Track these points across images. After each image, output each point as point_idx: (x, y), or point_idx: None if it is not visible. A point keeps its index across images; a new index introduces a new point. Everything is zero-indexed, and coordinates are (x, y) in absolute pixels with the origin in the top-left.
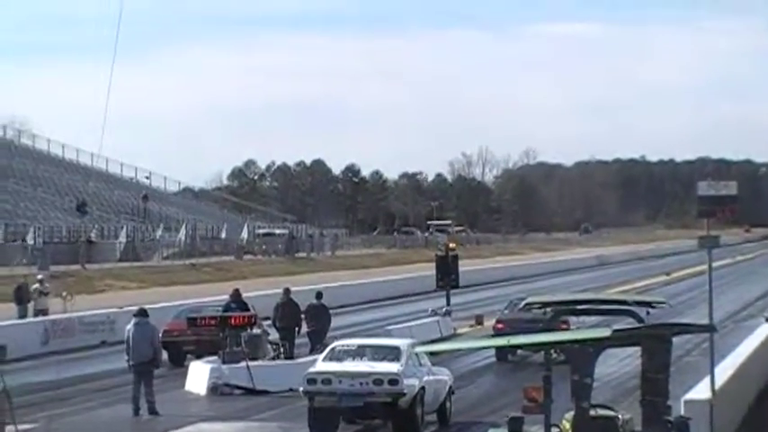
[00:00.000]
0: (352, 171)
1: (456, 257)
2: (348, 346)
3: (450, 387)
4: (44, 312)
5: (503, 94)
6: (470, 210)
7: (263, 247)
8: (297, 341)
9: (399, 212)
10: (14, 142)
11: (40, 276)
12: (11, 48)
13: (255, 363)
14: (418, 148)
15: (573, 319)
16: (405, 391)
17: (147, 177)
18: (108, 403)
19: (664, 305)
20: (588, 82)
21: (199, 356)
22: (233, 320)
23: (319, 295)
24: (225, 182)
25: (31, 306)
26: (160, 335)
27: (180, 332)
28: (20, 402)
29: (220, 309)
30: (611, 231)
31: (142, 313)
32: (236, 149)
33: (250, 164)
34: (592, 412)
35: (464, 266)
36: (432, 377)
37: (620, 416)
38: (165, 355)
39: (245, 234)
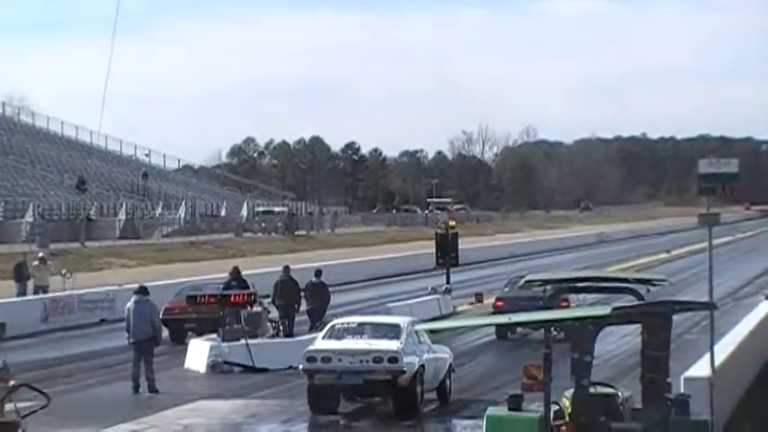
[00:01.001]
0: (351, 149)
1: (456, 235)
2: (348, 323)
3: (451, 365)
4: (44, 289)
5: (503, 71)
6: (470, 188)
7: (263, 224)
8: (296, 319)
9: (399, 190)
10: (13, 119)
11: (41, 254)
12: (10, 24)
13: (255, 341)
14: (418, 125)
15: (573, 296)
16: (404, 369)
17: (146, 155)
18: (107, 381)
19: (664, 283)
20: (589, 59)
21: (200, 334)
22: (232, 298)
23: (319, 273)
24: (224, 159)
25: (30, 283)
26: (161, 313)
27: (181, 310)
28: (19, 380)
29: (221, 287)
30: (611, 209)
31: (142, 291)
32: (235, 127)
33: (249, 141)
34: (591, 390)
35: (464, 244)
36: (432, 355)
37: (619, 393)
38: (165, 332)
39: (244, 212)
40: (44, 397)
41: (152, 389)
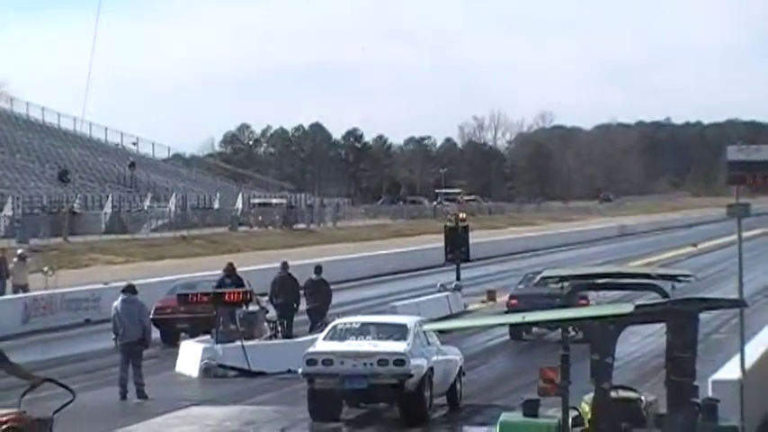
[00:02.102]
0: (354, 136)
1: (466, 228)
2: (351, 324)
3: (461, 368)
4: (24, 288)
5: (517, 52)
6: (482, 177)
7: (260, 217)
8: (296, 319)
9: (405, 180)
10: None
11: (20, 251)
12: None
13: (251, 342)
14: (426, 110)
15: (592, 294)
16: (412, 373)
17: (133, 143)
18: (93, 386)
19: (690, 279)
20: (609, 40)
21: (193, 335)
22: (227, 297)
23: (319, 269)
24: (217, 148)
25: (9, 282)
26: (152, 312)
27: (173, 309)
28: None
29: (215, 285)
30: (633, 200)
31: (130, 289)
32: (229, 113)
33: (244, 128)
34: (613, 394)
35: (475, 238)
36: (441, 357)
37: (643, 397)
38: (156, 333)
39: (239, 204)
40: (70, 393)
41: (141, 395)
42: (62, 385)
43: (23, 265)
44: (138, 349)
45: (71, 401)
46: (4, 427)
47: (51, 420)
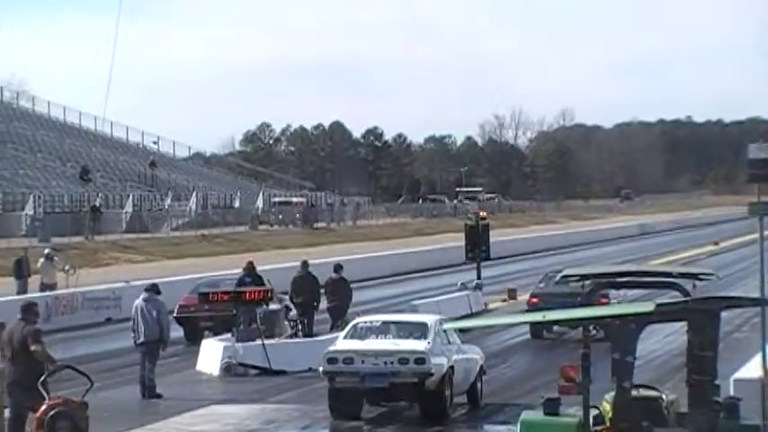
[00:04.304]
0: (374, 134)
1: (487, 227)
2: (371, 322)
3: (482, 366)
4: (52, 288)
5: (538, 50)
6: (503, 175)
7: (280, 216)
8: (316, 317)
9: (426, 179)
10: (12, 105)
11: (47, 250)
12: (7, 2)
13: (272, 341)
14: (446, 109)
15: (613, 292)
16: (432, 371)
17: (154, 142)
18: (114, 384)
19: (712, 277)
20: (630, 37)
21: (217, 334)
22: (247, 296)
23: (339, 268)
24: (238, 147)
25: (32, 281)
26: (175, 310)
27: (196, 307)
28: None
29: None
30: (654, 198)
31: (153, 288)
32: (249, 111)
33: (265, 127)
34: (634, 392)
35: (496, 236)
36: (461, 356)
37: (664, 396)
38: (180, 332)
39: (259, 203)
40: (88, 379)
41: (152, 393)
42: (81, 372)
43: (51, 265)
44: (156, 349)
45: (91, 387)
46: (53, 411)
47: (86, 404)
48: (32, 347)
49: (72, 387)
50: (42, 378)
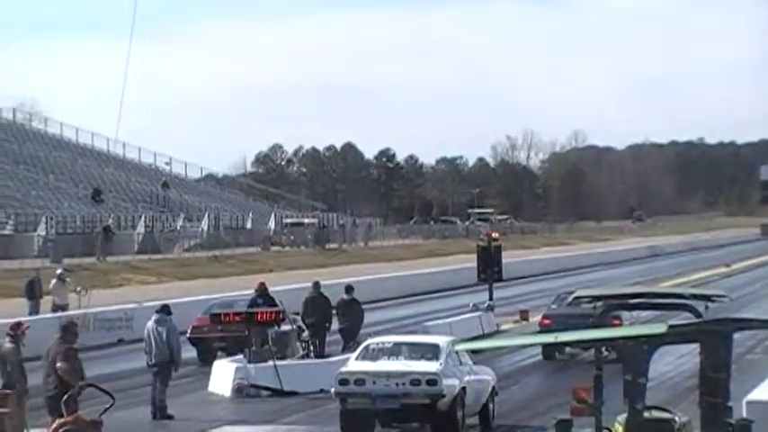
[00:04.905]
0: (386, 156)
1: (499, 248)
2: (383, 343)
3: (494, 387)
4: (64, 309)
5: (549, 71)
6: (515, 197)
7: (292, 237)
8: (328, 338)
9: (437, 200)
10: (25, 126)
11: (59, 271)
12: (20, 24)
13: (283, 362)
14: (458, 130)
15: (625, 314)
16: (444, 392)
17: (166, 163)
18: (126, 405)
19: (724, 299)
20: (642, 58)
21: (230, 354)
22: (259, 316)
23: (350, 289)
24: (250, 168)
25: (44, 302)
26: (188, 331)
27: (209, 328)
28: (32, 405)
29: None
30: (666, 219)
31: (165, 309)
32: (261, 133)
33: (277, 148)
34: (646, 414)
35: (508, 258)
36: (473, 377)
37: (676, 418)
38: (193, 352)
39: (271, 224)
40: (110, 398)
41: (163, 414)
42: (104, 391)
43: (63, 286)
44: (167, 369)
45: (112, 405)
46: (62, 429)
47: (101, 423)
48: (57, 364)
49: (96, 405)
50: (66, 396)
